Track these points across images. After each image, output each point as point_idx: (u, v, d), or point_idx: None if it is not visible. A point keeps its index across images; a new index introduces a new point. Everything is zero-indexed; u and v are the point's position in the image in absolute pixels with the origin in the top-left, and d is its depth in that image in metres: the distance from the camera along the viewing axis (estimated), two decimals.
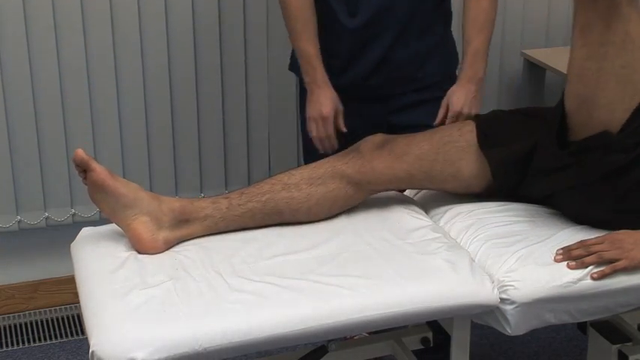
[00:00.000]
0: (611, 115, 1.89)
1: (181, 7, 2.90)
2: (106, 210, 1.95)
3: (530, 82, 3.26)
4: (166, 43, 2.91)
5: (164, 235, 1.93)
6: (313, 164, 2.10)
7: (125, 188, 1.93)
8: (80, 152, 1.91)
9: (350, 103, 2.48)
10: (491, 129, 2.10)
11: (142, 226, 1.91)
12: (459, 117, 2.35)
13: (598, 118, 1.89)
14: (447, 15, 2.53)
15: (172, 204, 1.97)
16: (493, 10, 2.41)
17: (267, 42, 3.01)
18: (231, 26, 2.97)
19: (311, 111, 2.41)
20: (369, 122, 2.46)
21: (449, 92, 2.40)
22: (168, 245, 1.94)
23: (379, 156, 2.06)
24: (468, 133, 2.09)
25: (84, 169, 1.92)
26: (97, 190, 1.92)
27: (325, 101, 2.40)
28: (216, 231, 2.00)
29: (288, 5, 2.41)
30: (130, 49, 2.88)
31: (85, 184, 1.94)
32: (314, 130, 2.43)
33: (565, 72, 3.06)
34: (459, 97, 2.37)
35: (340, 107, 2.43)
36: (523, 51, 3.26)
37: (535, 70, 3.22)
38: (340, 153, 2.12)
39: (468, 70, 2.39)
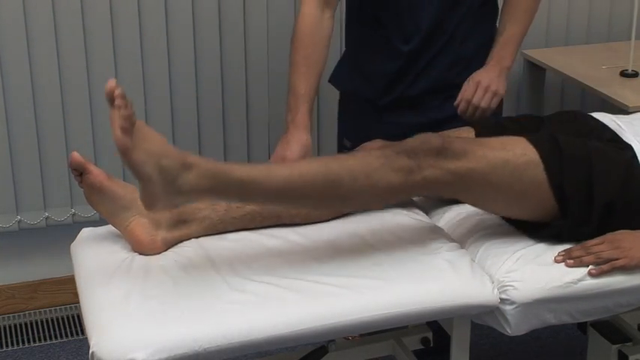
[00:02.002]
0: (536, 215, 1.95)
1: (181, 8, 2.90)
2: (104, 212, 1.94)
3: (530, 82, 3.26)
4: (166, 44, 2.91)
5: (162, 235, 1.93)
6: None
7: (122, 190, 1.92)
8: (76, 155, 1.90)
9: (385, 114, 2.47)
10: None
11: (140, 227, 1.91)
12: (486, 91, 2.28)
13: (531, 219, 1.96)
14: (494, 12, 2.47)
15: None
16: (535, 1, 2.37)
17: (267, 42, 3.01)
18: (231, 26, 2.97)
19: (278, 149, 2.21)
20: (402, 134, 2.47)
21: (472, 75, 2.33)
22: (167, 246, 1.94)
23: None
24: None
25: (80, 172, 1.91)
26: (94, 193, 1.91)
27: (295, 147, 2.18)
28: (215, 232, 1.99)
29: (295, 35, 2.29)
30: (130, 50, 2.88)
31: (82, 187, 1.94)
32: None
33: (565, 72, 3.08)
34: (483, 75, 2.31)
35: (309, 155, 2.33)
36: (523, 51, 3.26)
37: (535, 70, 3.22)
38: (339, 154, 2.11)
39: (494, 56, 2.34)
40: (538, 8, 2.38)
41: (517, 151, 1.90)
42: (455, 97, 2.36)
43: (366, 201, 1.86)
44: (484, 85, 2.27)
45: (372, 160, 1.83)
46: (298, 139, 2.17)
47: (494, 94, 2.27)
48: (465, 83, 2.31)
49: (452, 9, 2.37)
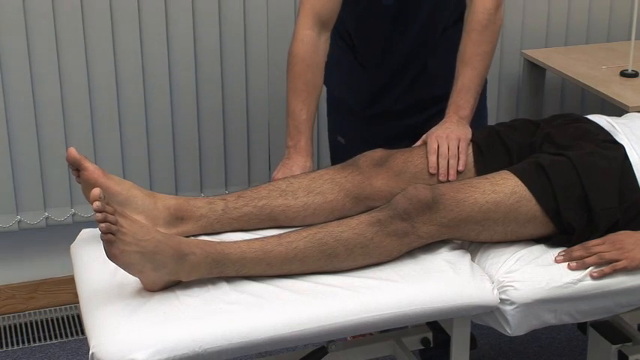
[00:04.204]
0: (537, 237, 1.96)
1: (181, 7, 2.90)
2: None
3: (530, 82, 3.26)
4: (166, 43, 2.91)
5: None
6: (312, 174, 2.08)
7: (118, 186, 1.92)
8: (72, 151, 1.90)
9: (371, 122, 2.53)
10: (485, 157, 2.10)
11: None
12: (449, 140, 2.09)
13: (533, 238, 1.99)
14: None
15: (168, 201, 1.96)
16: (485, 43, 2.21)
17: (267, 42, 3.01)
18: (231, 26, 2.97)
19: (279, 174, 2.16)
20: (390, 134, 2.51)
21: (429, 132, 2.16)
22: None
23: (377, 173, 2.06)
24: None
25: (77, 168, 1.91)
26: (91, 189, 1.90)
27: (297, 172, 2.15)
28: (211, 231, 1.99)
29: (294, 58, 2.21)
30: (130, 49, 2.88)
31: (79, 182, 1.93)
32: None
33: (565, 72, 3.08)
34: (441, 129, 2.13)
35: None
36: (523, 51, 3.26)
37: (535, 70, 3.22)
38: (340, 165, 2.10)
39: (451, 106, 2.19)
40: (493, 53, 2.25)
41: (507, 191, 1.92)
42: (438, 107, 2.35)
43: (365, 264, 1.89)
44: (444, 137, 2.10)
45: (365, 228, 1.86)
46: (301, 165, 2.16)
47: (458, 139, 2.10)
48: (427, 141, 2.13)
49: (428, 35, 2.38)
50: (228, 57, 2.99)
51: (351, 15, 2.33)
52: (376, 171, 2.06)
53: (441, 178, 2.05)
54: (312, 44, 2.21)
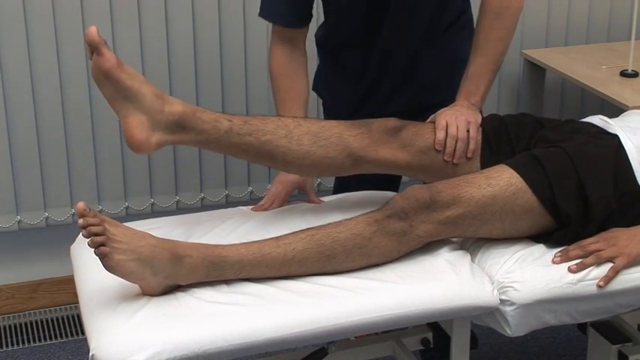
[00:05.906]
0: (534, 231, 1.96)
1: (181, 6, 2.90)
2: (106, 94, 1.88)
3: (530, 82, 3.26)
4: (166, 43, 2.91)
5: (158, 137, 1.89)
6: (323, 122, 2.06)
7: (130, 81, 1.86)
8: (93, 32, 1.82)
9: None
10: (492, 150, 2.09)
11: (138, 124, 1.86)
12: (458, 121, 2.08)
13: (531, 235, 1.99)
14: (464, 32, 2.38)
15: (175, 107, 1.90)
16: (497, 29, 2.17)
17: (267, 41, 3.01)
18: (231, 25, 2.97)
19: (274, 184, 2.23)
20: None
21: (438, 112, 2.15)
22: (160, 147, 1.90)
23: (386, 141, 2.05)
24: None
25: (93, 50, 1.85)
26: (101, 75, 1.85)
27: (293, 180, 2.21)
28: (207, 147, 1.97)
29: (272, 75, 2.31)
30: (130, 49, 2.88)
31: (91, 59, 1.87)
32: (273, 187, 2.24)
33: (565, 72, 3.08)
34: (451, 110, 2.12)
35: (310, 180, 2.28)
36: (523, 51, 3.26)
37: (535, 70, 3.22)
38: (353, 122, 2.08)
39: (462, 91, 2.18)
40: (510, 38, 2.21)
41: (502, 184, 1.92)
42: (430, 113, 2.31)
43: (364, 265, 1.88)
44: (453, 117, 2.09)
45: (363, 228, 1.86)
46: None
47: (468, 122, 2.08)
48: (436, 119, 2.11)
49: (407, 42, 2.34)
50: (228, 56, 2.99)
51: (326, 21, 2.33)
52: (386, 139, 2.05)
53: (446, 158, 2.06)
54: (285, 56, 2.28)
